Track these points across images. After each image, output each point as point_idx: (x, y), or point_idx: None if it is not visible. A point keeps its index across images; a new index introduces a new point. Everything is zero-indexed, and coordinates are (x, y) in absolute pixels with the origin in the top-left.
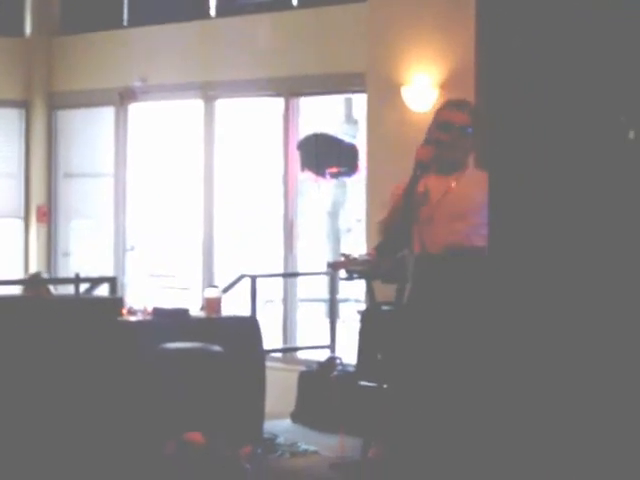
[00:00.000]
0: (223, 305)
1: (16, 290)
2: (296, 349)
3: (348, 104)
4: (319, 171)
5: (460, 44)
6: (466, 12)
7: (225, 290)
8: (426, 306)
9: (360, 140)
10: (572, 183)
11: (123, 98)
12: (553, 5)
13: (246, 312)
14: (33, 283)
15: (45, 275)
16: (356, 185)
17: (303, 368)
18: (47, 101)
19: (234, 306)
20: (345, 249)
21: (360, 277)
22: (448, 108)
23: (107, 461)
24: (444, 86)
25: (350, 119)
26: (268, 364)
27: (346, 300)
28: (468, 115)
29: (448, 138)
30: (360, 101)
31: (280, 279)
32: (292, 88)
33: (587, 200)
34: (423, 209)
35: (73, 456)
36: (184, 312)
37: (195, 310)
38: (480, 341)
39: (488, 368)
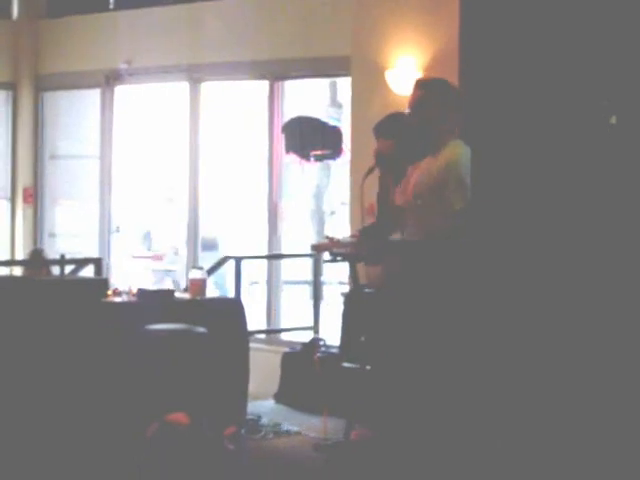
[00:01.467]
0: (207, 287)
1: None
2: (280, 330)
3: (333, 87)
4: (303, 154)
5: (444, 27)
6: None
7: (210, 272)
8: (406, 289)
9: (345, 123)
10: (554, 165)
11: (109, 80)
12: None
13: (230, 294)
14: (31, 262)
15: (45, 252)
16: (340, 168)
17: (287, 349)
18: (34, 83)
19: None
20: (329, 231)
21: (344, 259)
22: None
23: (91, 442)
24: (428, 69)
25: (335, 102)
26: (252, 345)
27: (329, 282)
28: (421, 92)
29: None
30: (345, 84)
31: (264, 261)
32: (277, 71)
33: (569, 183)
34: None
35: (56, 437)
36: (169, 293)
37: (179, 292)
38: (460, 322)
39: (469, 348)
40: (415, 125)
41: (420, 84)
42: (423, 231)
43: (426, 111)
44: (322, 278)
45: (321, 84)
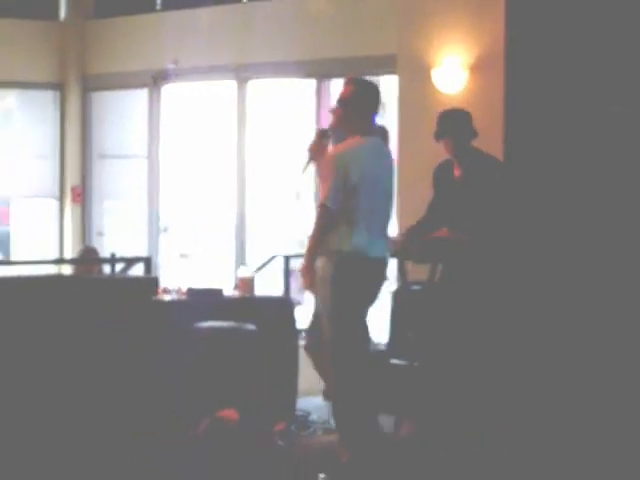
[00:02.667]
0: (256, 285)
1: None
2: None
3: None
4: None
5: (490, 26)
6: None
7: (257, 270)
8: (457, 286)
9: (386, 121)
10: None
11: (156, 80)
12: None
13: (279, 292)
14: (81, 261)
15: (95, 250)
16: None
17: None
18: (81, 83)
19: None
20: None
21: (392, 257)
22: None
23: (142, 439)
24: (474, 68)
25: None
26: (301, 342)
27: None
28: (353, 88)
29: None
30: (387, 83)
31: None
32: (324, 70)
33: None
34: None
35: (108, 433)
36: (218, 292)
37: (228, 290)
38: (511, 318)
39: (522, 344)
40: (338, 118)
41: (353, 81)
42: None
43: (352, 106)
44: None
45: None
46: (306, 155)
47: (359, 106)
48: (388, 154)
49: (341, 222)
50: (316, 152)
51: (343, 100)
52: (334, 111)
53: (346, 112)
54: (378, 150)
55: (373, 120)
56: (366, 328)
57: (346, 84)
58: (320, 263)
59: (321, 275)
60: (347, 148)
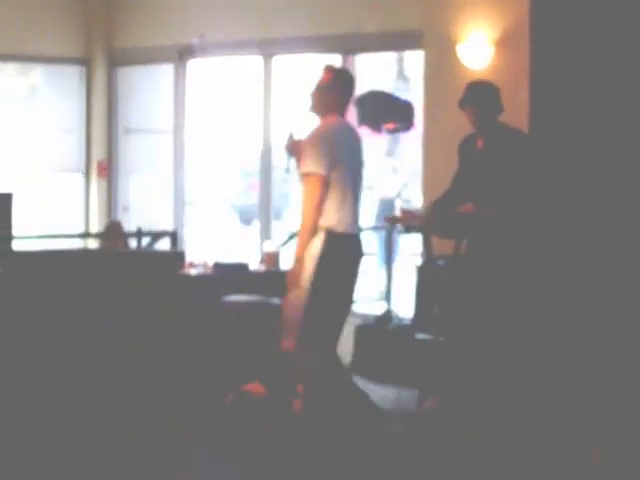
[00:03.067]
0: (281, 259)
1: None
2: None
3: (400, 61)
4: (376, 127)
5: (515, 1)
6: None
7: (283, 244)
8: (483, 260)
9: (411, 97)
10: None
11: (182, 55)
12: None
13: None
14: (108, 235)
15: (121, 224)
16: (412, 141)
17: (359, 321)
18: (107, 58)
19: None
20: (403, 204)
21: (417, 232)
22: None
23: (169, 411)
24: (499, 44)
25: (402, 76)
26: None
27: (402, 254)
28: (330, 75)
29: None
30: (412, 58)
31: None
32: (349, 45)
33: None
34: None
35: (135, 406)
36: (244, 266)
37: (254, 264)
38: (536, 292)
39: (548, 319)
40: (317, 101)
41: (331, 69)
42: None
43: (330, 91)
44: (395, 250)
45: (389, 58)
46: (284, 155)
47: (337, 91)
48: (360, 137)
49: (329, 200)
50: (292, 149)
51: (322, 86)
52: (313, 95)
53: (325, 96)
54: (354, 131)
55: (348, 105)
56: (348, 310)
57: (325, 71)
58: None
59: (311, 253)
60: (329, 125)
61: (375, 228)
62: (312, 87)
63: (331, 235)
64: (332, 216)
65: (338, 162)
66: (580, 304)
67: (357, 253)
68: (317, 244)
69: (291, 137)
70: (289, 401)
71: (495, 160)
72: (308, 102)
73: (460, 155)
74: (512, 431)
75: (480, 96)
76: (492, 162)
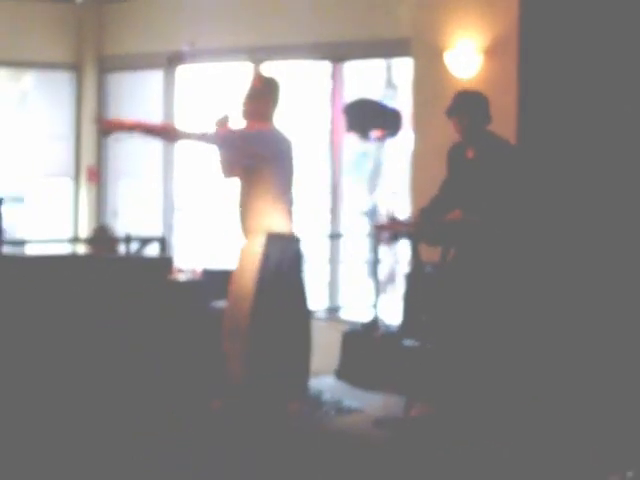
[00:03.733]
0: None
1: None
2: (340, 309)
3: (388, 69)
4: (364, 135)
5: (504, 9)
6: None
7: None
8: (470, 268)
9: (399, 104)
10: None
11: (171, 61)
12: None
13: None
14: (96, 240)
15: (110, 229)
16: (401, 149)
17: (347, 328)
18: (97, 64)
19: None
20: (391, 211)
21: (406, 239)
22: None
23: (156, 417)
24: (488, 52)
25: (390, 84)
26: (313, 323)
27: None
28: (261, 85)
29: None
30: (401, 66)
31: (325, 240)
32: (338, 52)
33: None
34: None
35: (121, 412)
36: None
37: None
38: (522, 299)
39: (534, 324)
40: (247, 109)
41: (262, 78)
42: None
43: (259, 100)
44: (381, 257)
45: (377, 65)
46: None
47: (267, 99)
48: (291, 142)
49: (264, 200)
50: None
51: (253, 93)
52: (243, 103)
53: (256, 103)
54: (285, 136)
55: (275, 112)
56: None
57: (255, 80)
58: (249, 242)
59: (251, 253)
60: (264, 128)
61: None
62: (243, 94)
63: (273, 237)
64: (271, 219)
65: (273, 163)
66: (567, 312)
67: (296, 253)
68: (256, 246)
69: (226, 117)
70: (277, 407)
71: (486, 170)
72: (239, 109)
73: (449, 162)
74: (500, 437)
75: (468, 106)
76: (483, 172)
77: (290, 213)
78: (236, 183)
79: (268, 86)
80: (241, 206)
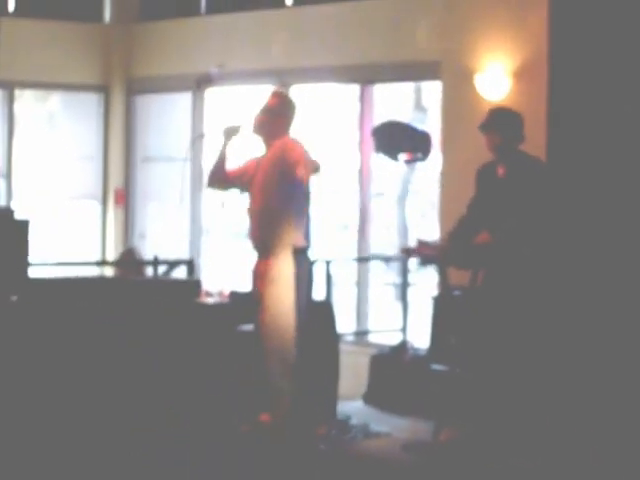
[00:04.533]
0: None
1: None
2: (368, 332)
3: (417, 91)
4: (393, 157)
5: (533, 32)
6: (540, 2)
7: None
8: (500, 291)
9: (429, 127)
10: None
11: (200, 83)
12: None
13: (320, 296)
14: (123, 263)
15: (138, 251)
16: (430, 171)
17: (375, 351)
18: (126, 86)
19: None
20: (419, 234)
21: (434, 262)
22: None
23: (184, 441)
24: (517, 74)
25: (419, 106)
26: (341, 347)
27: (418, 285)
28: (277, 100)
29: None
30: (430, 89)
31: (354, 263)
32: (367, 75)
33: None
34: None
35: (149, 434)
36: None
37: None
38: (554, 324)
39: (565, 350)
40: (262, 124)
41: (278, 94)
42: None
43: (275, 117)
44: (410, 280)
45: (406, 88)
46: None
47: (284, 116)
48: None
49: (290, 216)
50: (231, 134)
51: (270, 110)
52: (260, 119)
53: (273, 120)
54: None
55: (289, 129)
56: None
57: (272, 96)
58: (276, 259)
59: (282, 272)
60: (298, 145)
61: (390, 259)
62: (257, 111)
63: (297, 251)
64: (296, 234)
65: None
66: (599, 337)
67: (310, 270)
68: (288, 263)
69: (236, 128)
70: (306, 432)
71: (517, 189)
72: (251, 125)
73: (478, 182)
74: (528, 462)
75: (503, 122)
76: (514, 191)
77: (307, 228)
78: (252, 198)
79: (285, 104)
80: (261, 221)
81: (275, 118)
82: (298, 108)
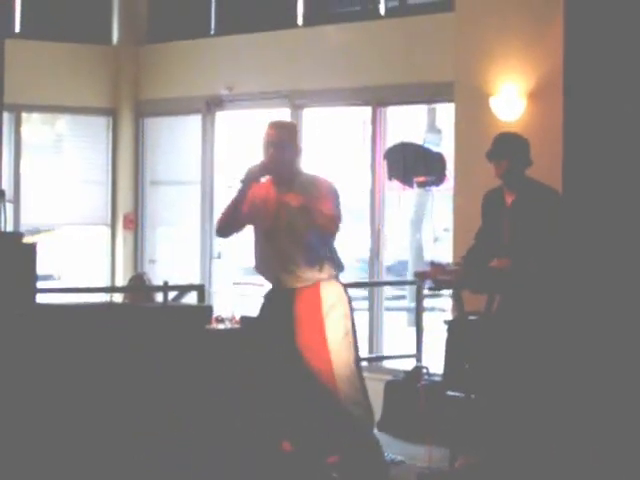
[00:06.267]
0: None
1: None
2: (382, 358)
3: (431, 113)
4: (406, 180)
5: (548, 53)
6: (554, 22)
7: None
8: (516, 317)
9: (443, 149)
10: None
11: (210, 106)
12: None
13: None
14: (133, 288)
15: (147, 277)
16: (443, 194)
17: (389, 377)
18: (134, 109)
19: None
20: (433, 258)
21: (448, 287)
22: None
23: (194, 469)
24: (532, 96)
25: (433, 128)
26: None
27: (432, 309)
28: (283, 132)
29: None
30: (444, 110)
31: (366, 287)
32: (379, 97)
33: None
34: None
35: (159, 461)
36: None
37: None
38: (569, 351)
39: (579, 376)
40: (276, 162)
41: (273, 125)
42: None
43: (287, 150)
44: (424, 305)
45: (420, 110)
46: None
47: (293, 144)
48: None
49: (325, 246)
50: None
51: (274, 142)
52: (270, 154)
53: (287, 152)
54: None
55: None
56: None
57: (270, 129)
58: (328, 288)
59: (339, 299)
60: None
61: (404, 283)
62: (265, 146)
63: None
64: (336, 263)
65: None
66: (616, 365)
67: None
68: (337, 292)
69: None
70: (318, 460)
71: (526, 217)
72: (264, 167)
73: (485, 210)
74: None
75: (509, 149)
76: (523, 219)
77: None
78: (276, 233)
79: (289, 131)
80: (295, 254)
81: (284, 150)
82: (297, 127)
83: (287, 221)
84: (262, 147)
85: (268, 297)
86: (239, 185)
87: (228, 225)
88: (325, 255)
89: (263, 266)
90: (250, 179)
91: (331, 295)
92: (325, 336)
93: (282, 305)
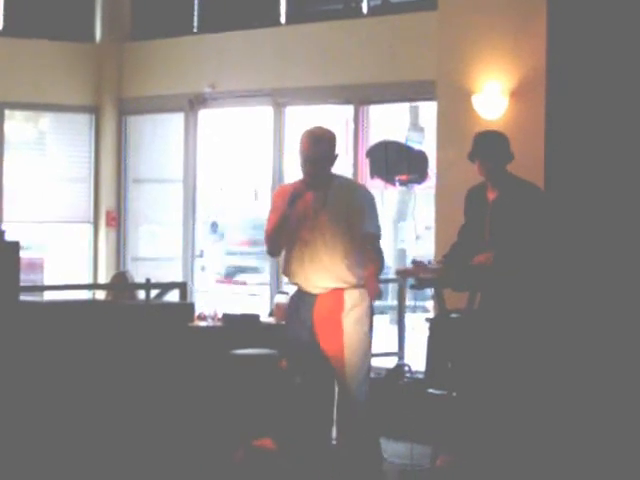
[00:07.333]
0: None
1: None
2: None
3: (414, 112)
4: (388, 178)
5: (531, 52)
6: (537, 20)
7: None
8: (497, 315)
9: (426, 147)
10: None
11: (193, 104)
12: (625, 14)
13: None
14: (115, 286)
15: (130, 275)
16: (426, 192)
17: (372, 375)
18: (117, 107)
19: None
20: (415, 256)
21: (430, 285)
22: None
23: (177, 467)
24: (514, 94)
25: (416, 126)
26: None
27: (414, 308)
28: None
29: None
30: (426, 109)
31: None
32: (362, 96)
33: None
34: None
35: (142, 461)
36: (254, 318)
37: (265, 316)
38: (551, 348)
39: (561, 374)
40: (314, 177)
41: (316, 139)
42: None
43: (325, 163)
44: (406, 303)
45: (402, 108)
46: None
47: (330, 153)
48: None
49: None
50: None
51: (316, 159)
52: (307, 170)
53: (322, 168)
54: None
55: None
56: None
57: (313, 144)
58: (354, 297)
59: (364, 310)
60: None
61: (387, 281)
62: (302, 160)
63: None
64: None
65: None
66: (598, 360)
67: None
68: (363, 299)
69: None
70: (301, 457)
71: (509, 212)
72: (309, 179)
73: (468, 206)
74: None
75: (489, 147)
76: (506, 214)
77: None
78: (311, 239)
79: (326, 144)
80: (329, 262)
81: (322, 164)
82: (334, 137)
83: (322, 233)
84: (298, 155)
85: (295, 299)
86: (287, 206)
87: (279, 246)
88: (359, 262)
89: (295, 270)
90: (296, 198)
91: (353, 298)
92: (342, 337)
93: (308, 308)
